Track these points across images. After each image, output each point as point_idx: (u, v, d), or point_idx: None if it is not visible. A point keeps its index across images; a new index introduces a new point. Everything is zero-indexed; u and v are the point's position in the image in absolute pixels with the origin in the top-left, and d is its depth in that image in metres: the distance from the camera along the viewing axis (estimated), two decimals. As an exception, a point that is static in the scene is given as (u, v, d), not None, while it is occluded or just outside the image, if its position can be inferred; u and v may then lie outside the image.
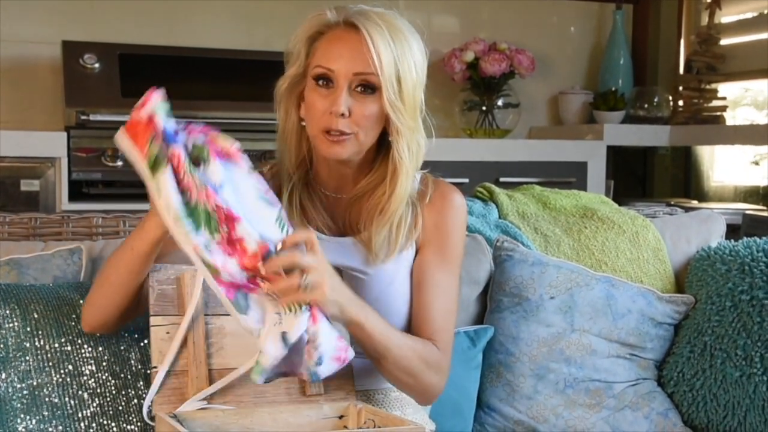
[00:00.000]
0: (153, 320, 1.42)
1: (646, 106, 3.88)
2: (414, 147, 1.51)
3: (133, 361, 1.61)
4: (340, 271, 1.53)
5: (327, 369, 1.32)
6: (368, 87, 1.46)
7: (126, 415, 1.57)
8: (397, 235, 1.54)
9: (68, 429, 1.53)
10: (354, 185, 1.56)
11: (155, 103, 1.28)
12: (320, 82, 1.47)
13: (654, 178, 4.20)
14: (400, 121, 1.48)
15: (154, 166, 1.27)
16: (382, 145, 1.53)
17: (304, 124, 1.53)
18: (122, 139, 1.29)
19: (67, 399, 1.55)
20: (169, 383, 1.40)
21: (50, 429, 1.53)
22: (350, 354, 1.34)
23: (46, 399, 1.54)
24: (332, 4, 1.51)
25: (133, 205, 2.75)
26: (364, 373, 1.55)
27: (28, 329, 1.57)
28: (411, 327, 1.56)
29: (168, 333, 1.41)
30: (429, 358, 1.50)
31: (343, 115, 1.45)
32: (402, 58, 1.46)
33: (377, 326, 1.40)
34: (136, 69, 3.23)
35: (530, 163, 3.53)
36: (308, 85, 1.50)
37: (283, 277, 1.27)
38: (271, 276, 1.27)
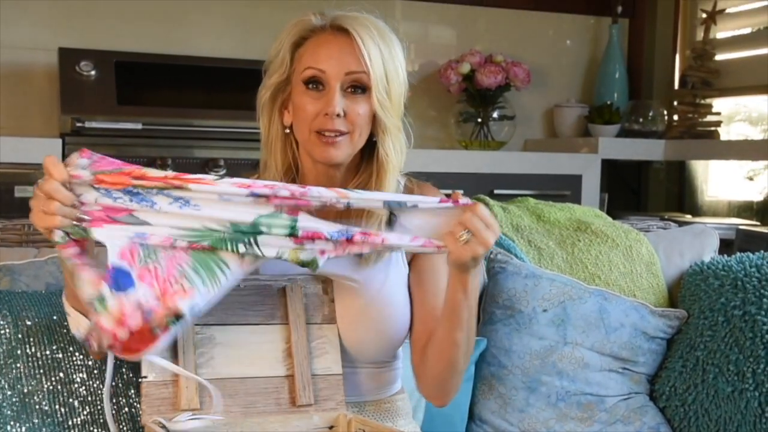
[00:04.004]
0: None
1: (641, 120, 3.89)
2: (398, 146, 1.53)
3: (124, 370, 1.61)
4: (330, 281, 1.53)
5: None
6: (359, 87, 1.48)
7: (116, 424, 1.57)
8: None
9: (58, 437, 1.53)
10: (342, 187, 1.56)
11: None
12: (310, 86, 1.48)
13: (648, 192, 4.20)
14: (388, 119, 1.50)
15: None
16: (366, 149, 1.55)
17: (288, 131, 1.53)
18: None
19: (57, 407, 1.55)
20: (159, 393, 1.39)
21: (40, 437, 1.52)
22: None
23: (37, 406, 1.54)
24: (324, 9, 1.53)
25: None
26: (355, 384, 1.55)
27: (20, 336, 1.57)
28: (420, 324, 1.55)
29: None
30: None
31: (338, 115, 1.46)
32: (390, 58, 1.49)
33: (474, 304, 1.45)
34: (132, 77, 3.23)
35: (525, 175, 3.54)
36: (296, 90, 1.50)
37: (455, 227, 1.34)
38: None
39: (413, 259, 1.59)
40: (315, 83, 1.48)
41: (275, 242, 1.31)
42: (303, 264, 1.33)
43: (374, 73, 1.46)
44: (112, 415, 1.56)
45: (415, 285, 1.58)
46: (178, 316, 1.27)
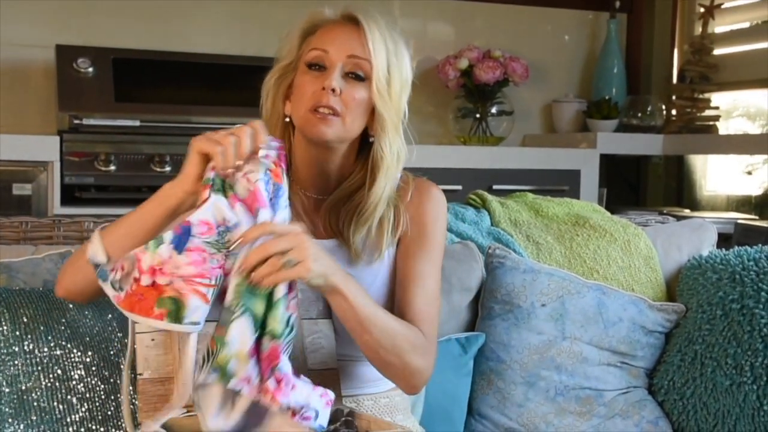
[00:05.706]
0: (138, 327, 1.41)
1: (639, 114, 3.89)
2: (395, 147, 1.53)
3: (122, 366, 1.60)
4: None
5: (324, 417, 1.30)
6: (359, 75, 1.49)
7: (115, 420, 1.57)
8: (381, 236, 1.54)
9: (56, 434, 1.53)
10: (335, 186, 1.57)
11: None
12: (313, 67, 1.50)
13: (647, 186, 4.21)
14: (386, 112, 1.50)
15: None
16: (363, 149, 1.55)
17: (288, 119, 1.54)
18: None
19: (55, 404, 1.55)
20: (155, 390, 1.39)
21: (38, 434, 1.52)
22: (331, 394, 1.32)
23: (35, 403, 1.54)
24: (328, 6, 1.55)
25: (125, 209, 2.74)
26: (352, 378, 1.55)
27: (18, 333, 1.57)
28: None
29: (153, 340, 1.41)
30: (414, 340, 1.47)
31: (334, 90, 1.47)
32: (394, 53, 1.51)
33: (360, 297, 1.39)
34: (130, 73, 3.23)
35: (523, 170, 3.54)
36: (299, 72, 1.52)
37: (264, 263, 1.27)
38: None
39: (398, 250, 1.59)
40: (318, 65, 1.50)
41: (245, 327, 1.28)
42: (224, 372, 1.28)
43: (376, 62, 1.48)
44: (111, 413, 1.56)
45: (395, 279, 1.58)
46: (178, 308, 1.26)
